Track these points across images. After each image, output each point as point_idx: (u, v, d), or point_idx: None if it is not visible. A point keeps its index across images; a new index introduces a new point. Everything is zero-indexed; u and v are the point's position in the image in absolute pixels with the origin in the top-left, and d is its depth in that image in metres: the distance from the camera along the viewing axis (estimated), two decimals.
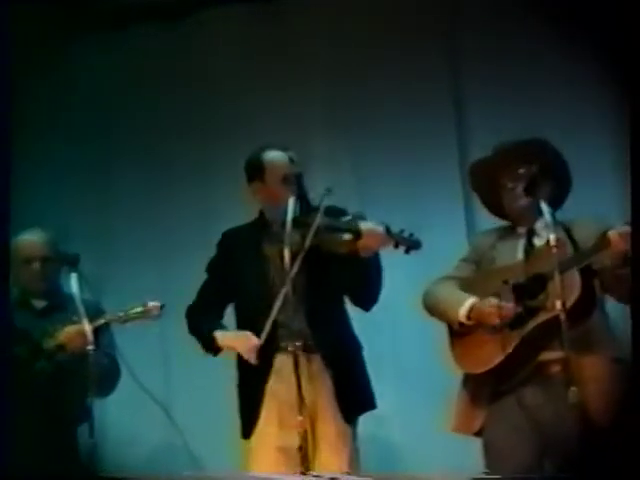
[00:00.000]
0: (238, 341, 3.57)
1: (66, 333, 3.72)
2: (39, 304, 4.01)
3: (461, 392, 3.53)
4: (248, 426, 3.61)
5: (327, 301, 3.60)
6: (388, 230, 3.41)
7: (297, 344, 3.40)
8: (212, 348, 3.63)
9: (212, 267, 3.77)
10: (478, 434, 3.50)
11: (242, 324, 3.66)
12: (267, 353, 3.57)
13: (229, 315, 3.73)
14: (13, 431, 3.25)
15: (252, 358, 3.52)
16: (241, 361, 3.64)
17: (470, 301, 3.47)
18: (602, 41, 4.23)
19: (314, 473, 3.18)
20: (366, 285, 3.57)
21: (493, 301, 3.41)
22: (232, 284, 3.69)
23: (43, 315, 3.97)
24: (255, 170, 3.67)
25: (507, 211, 3.61)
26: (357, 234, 3.42)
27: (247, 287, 3.65)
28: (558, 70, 4.58)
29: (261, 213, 3.75)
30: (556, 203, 3.52)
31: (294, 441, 3.42)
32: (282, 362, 3.54)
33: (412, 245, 3.41)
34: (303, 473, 3.17)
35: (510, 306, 3.39)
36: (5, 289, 3.44)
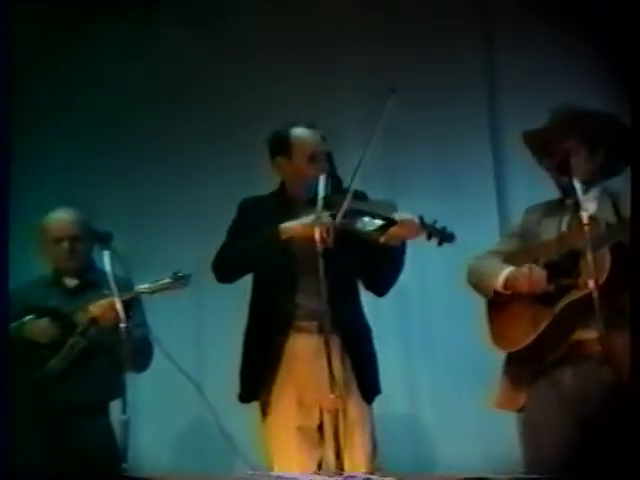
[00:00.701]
0: (300, 228, 3.44)
1: (98, 307, 3.76)
2: (71, 282, 4.05)
3: (505, 369, 3.51)
4: (264, 405, 3.63)
5: (345, 283, 3.58)
6: (422, 221, 3.39)
7: (315, 324, 3.46)
8: (277, 244, 3.50)
9: (231, 231, 3.73)
10: (521, 410, 3.49)
11: (258, 293, 3.66)
12: (284, 332, 3.58)
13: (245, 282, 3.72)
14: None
15: (325, 240, 3.29)
16: (251, 340, 3.63)
17: (507, 270, 3.45)
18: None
19: (349, 473, 3.18)
20: (386, 272, 3.58)
21: (524, 268, 3.39)
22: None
23: (75, 293, 4.01)
24: (281, 145, 3.65)
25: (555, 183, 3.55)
26: (392, 222, 3.42)
27: (266, 257, 3.61)
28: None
29: (282, 185, 3.73)
30: (611, 172, 3.48)
31: (313, 421, 3.48)
32: (299, 342, 3.56)
33: (445, 238, 3.39)
34: (338, 473, 3.16)
35: (540, 272, 3.35)
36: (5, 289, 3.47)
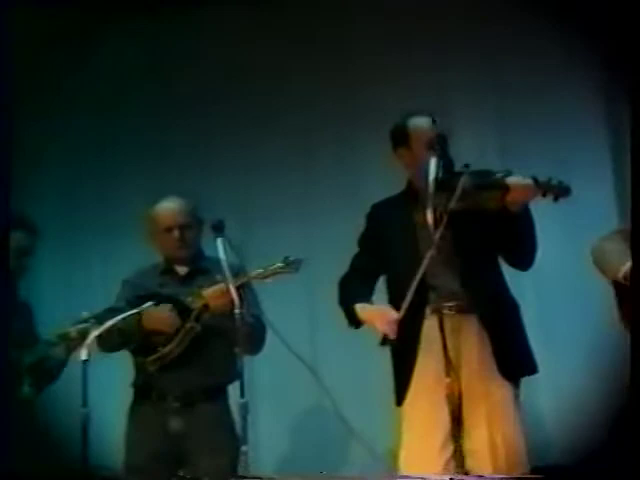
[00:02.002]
0: (377, 315, 3.50)
1: (212, 292, 3.77)
2: (182, 270, 4.06)
3: None
4: (400, 392, 3.57)
5: (480, 261, 3.54)
6: (535, 180, 3.33)
7: (450, 305, 3.43)
8: (353, 321, 3.60)
9: (362, 240, 3.76)
10: None
11: (393, 296, 3.61)
12: (418, 317, 3.53)
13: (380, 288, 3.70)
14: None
15: (391, 332, 3.43)
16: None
17: (629, 264, 3.35)
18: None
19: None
20: (518, 242, 3.50)
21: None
22: (383, 256, 3.67)
23: (186, 280, 4.02)
24: (400, 136, 3.66)
25: None
26: (504, 188, 3.37)
27: (397, 258, 3.61)
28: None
29: (409, 183, 3.72)
30: None
31: (445, 407, 3.39)
32: (434, 326, 3.49)
33: (561, 192, 3.31)
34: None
35: None
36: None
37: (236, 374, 3.62)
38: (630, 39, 3.42)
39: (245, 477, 3.25)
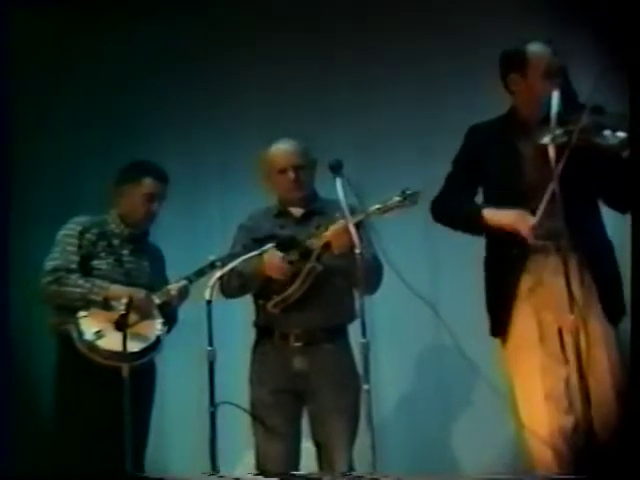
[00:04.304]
0: (516, 218, 3.48)
1: (332, 231, 3.75)
2: (297, 212, 4.06)
3: None
4: (498, 324, 3.58)
5: (584, 201, 3.49)
6: None
7: (552, 243, 3.39)
8: (478, 226, 3.57)
9: (458, 160, 3.72)
10: None
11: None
12: (519, 254, 3.51)
13: None
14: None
15: (530, 237, 3.43)
16: (490, 259, 3.61)
17: None
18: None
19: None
20: (623, 187, 3.40)
21: None
22: (481, 177, 3.64)
23: (302, 222, 4.02)
24: (516, 62, 3.57)
25: None
26: (624, 131, 3.29)
27: (499, 182, 3.58)
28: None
29: (513, 110, 3.64)
30: None
31: (554, 341, 3.42)
32: (538, 262, 3.49)
33: None
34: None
35: None
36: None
37: (355, 314, 3.67)
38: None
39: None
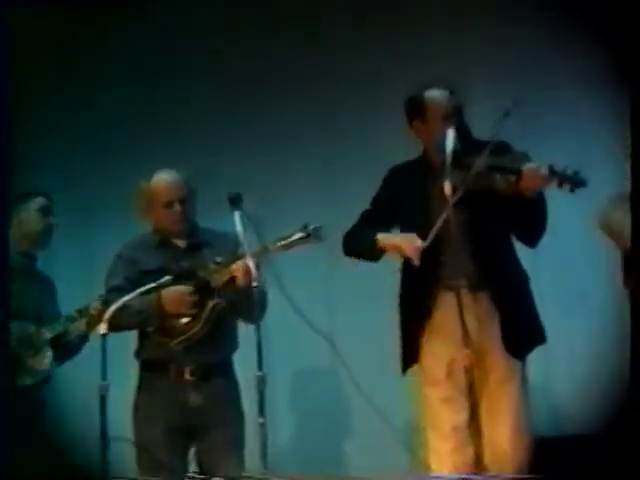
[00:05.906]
0: (403, 241, 3.55)
1: (238, 267, 3.65)
2: (181, 243, 3.91)
3: None
4: (407, 362, 3.63)
5: (493, 239, 3.56)
6: (552, 169, 3.35)
7: (463, 282, 3.45)
8: (374, 251, 3.62)
9: (376, 200, 3.77)
10: None
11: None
12: (430, 292, 3.56)
13: None
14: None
15: (416, 259, 3.49)
16: (404, 300, 3.65)
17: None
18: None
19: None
20: (531, 223, 3.52)
21: None
22: (397, 216, 3.69)
23: (189, 254, 3.89)
24: (416, 109, 3.64)
25: None
26: (519, 175, 3.37)
27: (409, 225, 3.63)
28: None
29: (423, 151, 3.71)
30: None
31: (461, 379, 3.44)
32: (447, 301, 3.53)
33: (577, 184, 3.34)
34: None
35: None
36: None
37: (237, 344, 3.79)
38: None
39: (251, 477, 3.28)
